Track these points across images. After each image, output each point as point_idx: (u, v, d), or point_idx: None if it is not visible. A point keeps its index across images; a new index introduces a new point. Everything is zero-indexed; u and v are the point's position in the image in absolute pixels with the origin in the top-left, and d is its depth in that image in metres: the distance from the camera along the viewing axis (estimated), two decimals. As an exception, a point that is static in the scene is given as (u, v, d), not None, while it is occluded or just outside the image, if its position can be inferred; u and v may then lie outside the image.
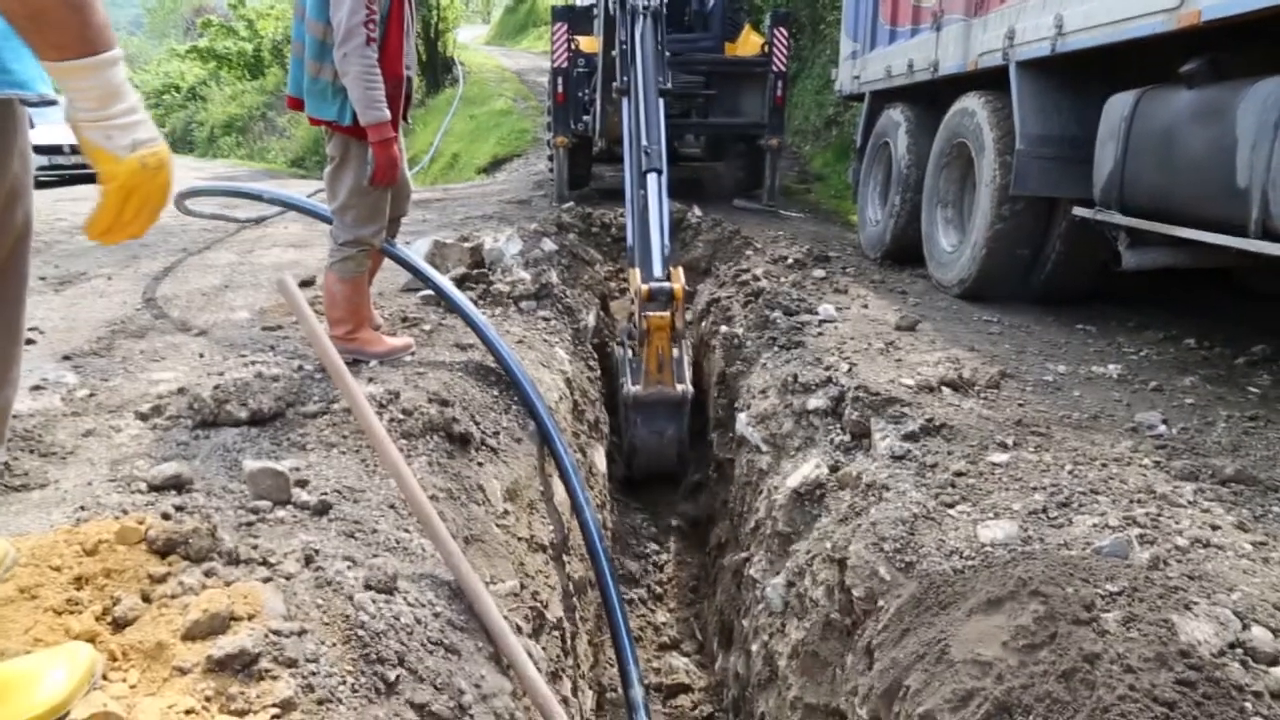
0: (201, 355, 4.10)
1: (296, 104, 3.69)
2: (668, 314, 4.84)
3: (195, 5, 57.40)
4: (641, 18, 6.49)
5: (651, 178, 5.61)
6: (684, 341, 5.19)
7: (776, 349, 4.62)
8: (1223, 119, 3.80)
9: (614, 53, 7.36)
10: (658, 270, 5.01)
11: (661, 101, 6.10)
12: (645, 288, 4.87)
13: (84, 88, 1.29)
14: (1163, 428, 3.42)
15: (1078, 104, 5.06)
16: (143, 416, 3.19)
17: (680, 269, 5.17)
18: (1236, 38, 3.90)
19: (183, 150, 37.20)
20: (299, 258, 6.96)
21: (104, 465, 2.76)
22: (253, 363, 3.89)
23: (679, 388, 5.03)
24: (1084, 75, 5.02)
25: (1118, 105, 4.58)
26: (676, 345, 5.00)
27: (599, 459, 4.89)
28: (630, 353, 5.12)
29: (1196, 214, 4.02)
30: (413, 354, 3.99)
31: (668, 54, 6.92)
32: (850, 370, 3.98)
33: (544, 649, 2.82)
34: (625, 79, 6.56)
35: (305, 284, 5.52)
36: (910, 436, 3.19)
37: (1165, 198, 4.25)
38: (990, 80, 5.75)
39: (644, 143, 5.78)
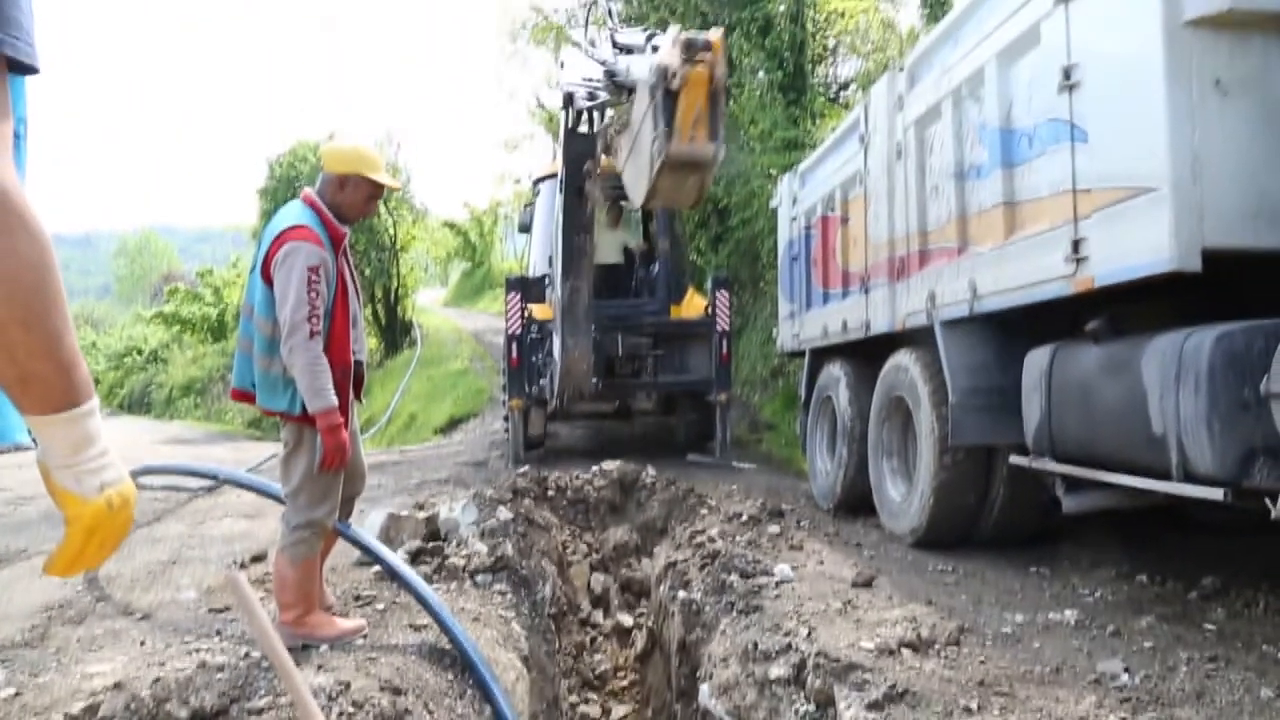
0: (143, 643, 3.95)
1: (241, 396, 3.82)
2: (706, 68, 4.59)
3: (164, 273, 59.80)
4: None
5: None
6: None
7: (735, 614, 4.56)
8: (1130, 372, 4.03)
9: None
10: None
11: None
12: (683, 36, 4.65)
13: (60, 436, 1.32)
14: (1125, 677, 3.40)
15: (1002, 357, 5.28)
16: (73, 719, 3.03)
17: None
18: (1132, 297, 4.23)
19: (139, 411, 37.30)
20: (250, 528, 6.85)
21: (26, 783, 2.59)
22: (196, 650, 3.75)
23: (711, 147, 4.74)
24: (1005, 330, 5.29)
25: (1036, 360, 4.82)
26: (714, 100, 4.70)
27: (559, 739, 4.67)
28: (659, 101, 4.69)
29: (1123, 459, 4.16)
30: (364, 636, 3.89)
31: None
32: (810, 635, 3.93)
33: None
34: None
35: (256, 559, 5.42)
36: (874, 705, 3.12)
37: (1092, 445, 4.43)
38: (920, 337, 6.05)
39: None
